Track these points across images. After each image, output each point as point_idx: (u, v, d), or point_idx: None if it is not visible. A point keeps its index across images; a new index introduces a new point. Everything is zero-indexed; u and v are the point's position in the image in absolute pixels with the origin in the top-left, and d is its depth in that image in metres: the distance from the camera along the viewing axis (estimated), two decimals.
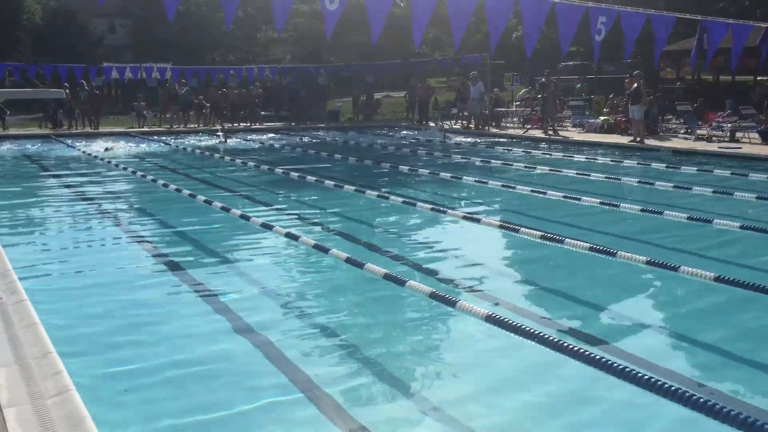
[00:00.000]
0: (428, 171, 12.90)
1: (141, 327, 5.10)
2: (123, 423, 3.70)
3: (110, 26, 49.16)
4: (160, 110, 26.85)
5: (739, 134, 18.11)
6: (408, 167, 13.45)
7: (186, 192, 10.29)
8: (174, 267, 6.75)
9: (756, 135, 17.71)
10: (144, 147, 19.46)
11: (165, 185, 11.08)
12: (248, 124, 26.53)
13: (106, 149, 18.14)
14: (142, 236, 8.21)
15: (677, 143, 17.83)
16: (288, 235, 7.35)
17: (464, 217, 8.63)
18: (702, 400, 3.10)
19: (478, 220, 8.28)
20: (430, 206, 9.28)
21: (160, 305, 5.64)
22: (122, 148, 19.00)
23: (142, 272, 6.63)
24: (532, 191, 10.21)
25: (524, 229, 7.35)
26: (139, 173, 12.68)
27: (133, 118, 26.47)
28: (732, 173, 12.07)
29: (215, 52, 45.13)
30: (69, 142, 20.23)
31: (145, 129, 24.93)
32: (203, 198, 9.63)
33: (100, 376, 4.23)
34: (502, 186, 10.87)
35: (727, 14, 19.02)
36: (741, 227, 7.34)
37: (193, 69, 30.22)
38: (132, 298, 5.81)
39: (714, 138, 18.17)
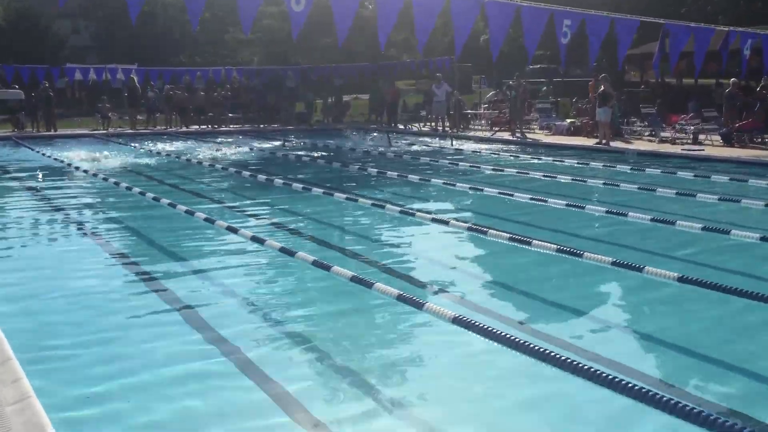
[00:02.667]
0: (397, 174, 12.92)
1: (104, 334, 5.01)
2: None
3: (74, 27, 48.40)
4: (128, 112, 26.47)
5: (701, 137, 18.44)
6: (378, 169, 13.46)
7: (150, 195, 10.16)
8: (138, 270, 6.66)
9: (718, 137, 18.06)
10: (126, 157, 18.16)
11: (128, 188, 10.96)
12: (215, 127, 26.27)
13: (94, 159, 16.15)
14: (108, 241, 8.09)
15: (642, 145, 18.10)
16: (254, 239, 7.31)
17: (433, 219, 8.65)
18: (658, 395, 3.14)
19: (446, 222, 8.32)
20: (399, 208, 9.28)
21: (125, 311, 5.54)
22: (107, 157, 16.96)
23: (106, 278, 6.51)
24: (499, 193, 10.27)
25: (492, 231, 7.41)
26: (112, 180, 12.20)
27: (97, 120, 26.07)
28: (695, 175, 12.28)
29: (181, 53, 44.63)
30: (29, 144, 19.79)
31: (110, 131, 24.58)
32: (167, 201, 9.52)
33: (61, 384, 4.14)
34: (470, 188, 10.92)
35: (689, 19, 19.34)
36: (703, 228, 7.47)
37: (159, 70, 29.85)
38: (93, 302, 5.71)
39: (677, 140, 18.48)
